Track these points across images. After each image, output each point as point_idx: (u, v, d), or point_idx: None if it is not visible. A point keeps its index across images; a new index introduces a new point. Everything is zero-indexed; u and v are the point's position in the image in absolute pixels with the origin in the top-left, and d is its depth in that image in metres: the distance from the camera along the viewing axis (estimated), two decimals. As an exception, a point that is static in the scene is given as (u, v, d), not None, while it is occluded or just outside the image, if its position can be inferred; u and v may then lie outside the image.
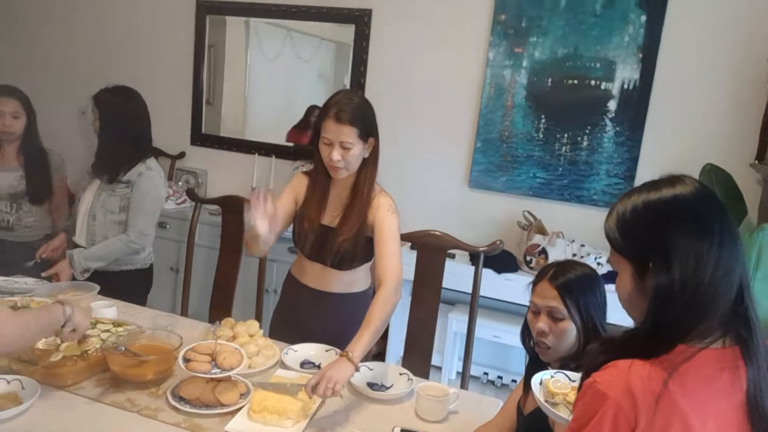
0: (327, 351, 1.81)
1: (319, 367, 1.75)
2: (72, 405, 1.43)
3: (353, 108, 1.70)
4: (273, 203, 1.60)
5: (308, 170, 1.91)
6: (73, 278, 2.25)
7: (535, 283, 1.37)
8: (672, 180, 0.92)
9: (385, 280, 1.66)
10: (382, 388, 1.67)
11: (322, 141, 1.73)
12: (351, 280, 1.88)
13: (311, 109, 3.65)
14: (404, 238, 2.21)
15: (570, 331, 1.30)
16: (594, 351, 0.93)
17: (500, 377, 3.28)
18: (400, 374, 1.72)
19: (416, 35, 3.41)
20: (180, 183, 3.90)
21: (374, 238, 1.75)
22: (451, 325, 3.17)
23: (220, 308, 2.43)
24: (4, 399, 1.37)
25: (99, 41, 4.12)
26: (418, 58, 3.42)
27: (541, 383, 1.18)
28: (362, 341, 1.52)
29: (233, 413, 1.45)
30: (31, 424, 1.33)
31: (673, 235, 0.86)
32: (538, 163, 3.26)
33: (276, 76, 3.83)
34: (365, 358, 2.15)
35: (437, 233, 2.17)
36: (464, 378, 2.19)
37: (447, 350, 3.20)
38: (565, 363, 1.31)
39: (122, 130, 2.33)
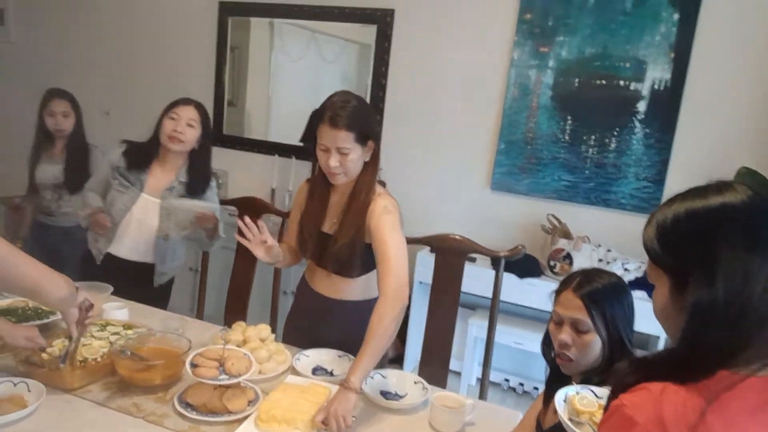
0: (340, 357, 1.76)
1: (331, 373, 1.69)
2: (77, 409, 1.40)
3: (349, 111, 1.61)
4: (265, 233, 1.68)
5: (310, 177, 1.85)
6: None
7: (558, 292, 1.30)
8: (720, 187, 0.82)
9: (383, 288, 1.57)
10: (396, 396, 1.61)
11: (319, 147, 1.66)
12: (360, 288, 1.82)
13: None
14: (423, 241, 2.16)
15: (594, 344, 1.22)
16: (623, 370, 0.85)
17: (521, 384, 3.19)
18: (415, 383, 1.66)
19: (439, 35, 3.35)
20: (201, 183, 3.90)
21: (373, 246, 1.66)
22: (471, 330, 3.09)
23: (235, 310, 2.40)
24: (9, 402, 1.34)
25: (123, 44, 4.16)
26: (440, 59, 3.36)
27: (565, 400, 1.11)
28: (361, 365, 1.45)
29: (240, 421, 1.41)
30: (35, 428, 1.30)
31: (719, 246, 0.77)
32: (563, 165, 3.16)
33: (300, 77, 3.81)
34: (380, 363, 2.11)
35: (457, 237, 2.10)
36: (483, 385, 2.12)
37: (467, 356, 3.12)
38: (587, 377, 1.23)
39: (210, 142, 2.32)
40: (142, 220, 2.24)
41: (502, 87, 3.25)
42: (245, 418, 1.42)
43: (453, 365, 3.21)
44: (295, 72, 3.81)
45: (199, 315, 2.53)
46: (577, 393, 1.10)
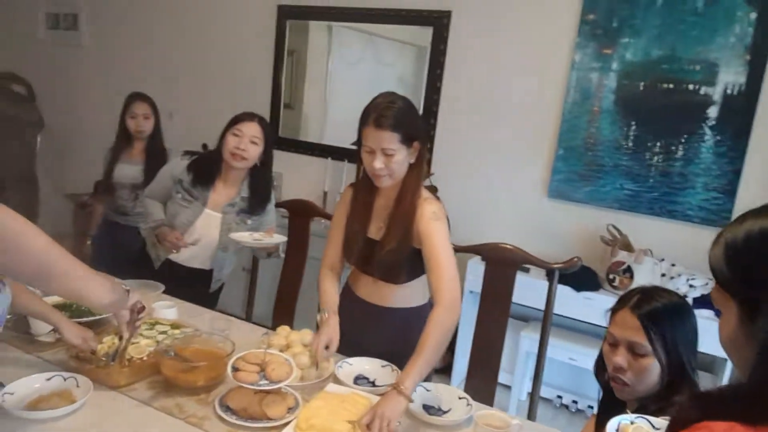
0: (383, 367, 1.71)
1: (373, 383, 1.66)
2: (122, 407, 1.42)
3: (394, 112, 1.57)
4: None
5: (354, 182, 1.82)
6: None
7: (614, 311, 1.21)
8: None
9: (438, 297, 1.54)
10: (439, 411, 1.55)
11: (364, 149, 1.63)
12: (405, 294, 1.78)
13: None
14: (472, 250, 2.09)
15: (652, 368, 1.13)
16: (684, 405, 0.76)
17: (575, 402, 3.06)
18: (459, 398, 1.59)
19: (496, 37, 3.26)
20: (256, 185, 3.96)
21: (423, 252, 1.62)
22: (523, 343, 2.99)
23: (283, 313, 2.41)
24: (58, 396, 1.38)
25: (185, 47, 4.28)
26: (497, 61, 3.28)
27: (618, 430, 1.03)
28: (414, 370, 1.42)
29: (279, 428, 1.39)
30: (80, 423, 1.33)
31: None
32: (626, 173, 3.01)
33: (356, 81, 3.81)
34: (426, 377, 2.06)
35: (508, 246, 2.03)
36: (532, 402, 2.04)
37: (517, 370, 3.02)
38: (644, 404, 1.14)
39: (272, 158, 2.33)
40: (204, 233, 2.26)
41: (561, 90, 3.13)
42: (284, 425, 1.40)
43: (503, 378, 3.13)
44: (352, 75, 3.82)
45: (249, 316, 2.55)
46: (632, 423, 1.02)
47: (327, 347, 1.65)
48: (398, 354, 1.58)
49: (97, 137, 4.70)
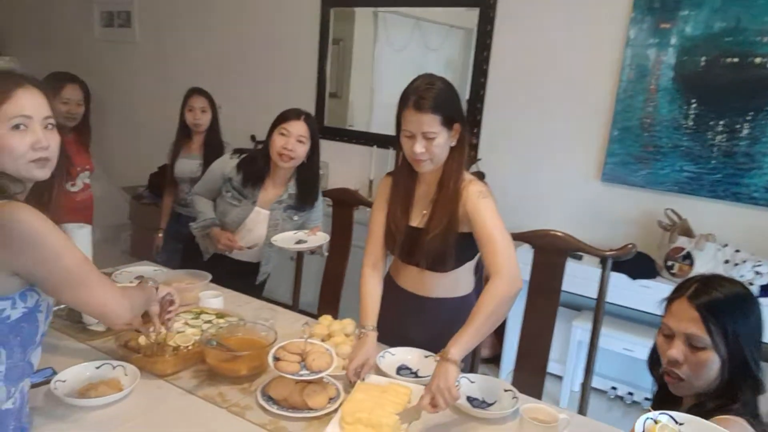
0: (426, 357, 1.68)
1: (416, 374, 1.62)
2: (167, 395, 1.44)
3: (435, 94, 1.52)
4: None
5: (391, 171, 1.77)
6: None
7: (670, 300, 1.13)
8: None
9: (494, 269, 1.47)
10: (483, 404, 1.51)
11: (403, 134, 1.58)
12: (451, 283, 1.73)
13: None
14: (520, 237, 2.02)
15: (711, 363, 1.05)
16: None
17: (630, 394, 2.94)
18: (505, 390, 1.54)
19: (546, 14, 3.14)
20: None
21: (473, 231, 1.57)
22: (575, 333, 2.89)
23: (328, 301, 2.41)
24: (106, 385, 1.41)
25: (231, 40, 4.33)
26: (546, 40, 3.15)
27: (644, 430, 0.95)
28: (463, 339, 1.38)
29: (320, 418, 1.38)
30: (126, 410, 1.36)
31: None
32: (686, 154, 2.85)
33: (403, 66, 3.76)
34: (472, 365, 2.01)
35: (558, 233, 1.94)
36: (584, 395, 1.96)
37: (569, 360, 2.93)
38: (702, 401, 1.06)
39: (318, 155, 2.32)
40: (252, 229, 2.30)
41: (616, 68, 2.99)
42: (325, 415, 1.39)
43: (555, 369, 3.05)
44: (399, 61, 3.77)
45: (295, 304, 2.56)
46: (655, 422, 0.94)
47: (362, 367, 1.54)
48: (442, 345, 1.54)
49: (149, 131, 4.85)
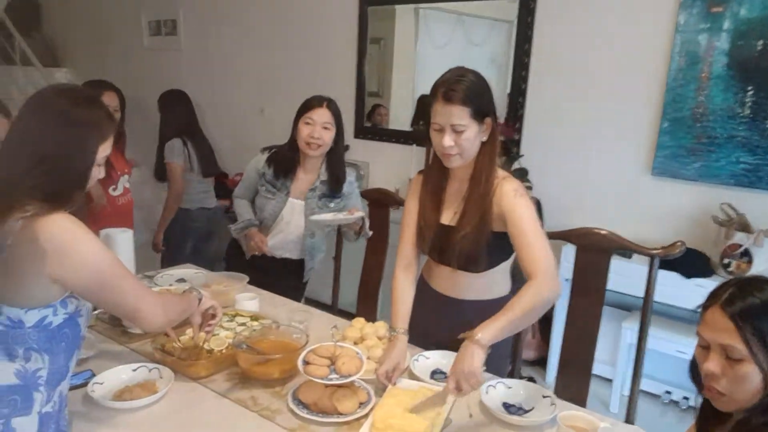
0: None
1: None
2: (200, 398, 1.45)
3: (465, 85, 1.47)
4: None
5: (423, 168, 1.72)
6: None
7: (704, 308, 1.03)
8: None
9: (535, 273, 1.42)
10: (520, 411, 1.45)
11: (433, 127, 1.53)
12: (485, 285, 1.67)
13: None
14: (560, 236, 1.94)
15: (751, 375, 0.95)
16: None
17: (686, 398, 2.79)
18: (544, 396, 1.48)
19: (588, 3, 3.03)
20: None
21: (509, 231, 1.52)
22: (626, 335, 2.77)
23: (366, 302, 2.39)
24: (140, 388, 1.43)
25: (272, 44, 4.38)
26: (590, 30, 3.04)
27: None
28: (494, 325, 1.32)
29: (349, 423, 1.36)
30: (159, 413, 1.37)
31: None
32: (742, 144, 2.69)
33: (445, 63, 3.65)
34: (513, 369, 1.95)
35: (601, 231, 1.86)
36: (632, 400, 1.86)
37: (620, 362, 2.81)
38: (747, 417, 0.97)
39: (343, 138, 2.34)
40: (289, 221, 2.32)
41: (665, 57, 2.84)
42: (355, 420, 1.36)
43: (605, 372, 2.93)
44: (441, 58, 3.72)
45: (334, 305, 2.56)
46: None
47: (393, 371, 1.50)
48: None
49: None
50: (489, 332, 1.31)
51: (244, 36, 4.52)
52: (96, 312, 1.78)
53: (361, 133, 3.97)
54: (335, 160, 2.32)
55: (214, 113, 4.75)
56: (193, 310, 1.46)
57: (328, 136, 2.22)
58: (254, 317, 1.81)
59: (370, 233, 2.31)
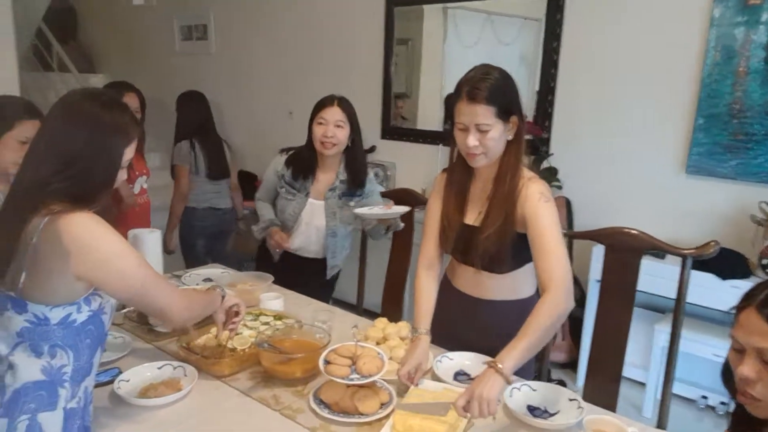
0: (485, 363, 1.60)
1: (474, 380, 1.55)
2: (223, 396, 1.46)
3: (489, 84, 1.44)
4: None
5: (446, 167, 1.70)
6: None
7: (738, 309, 0.98)
8: None
9: (550, 285, 1.40)
10: (545, 414, 1.42)
11: (457, 126, 1.51)
12: (509, 285, 1.64)
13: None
14: (589, 236, 1.90)
15: None
16: None
17: (723, 403, 2.70)
18: (570, 400, 1.44)
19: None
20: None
21: (528, 235, 1.49)
22: (659, 337, 2.70)
23: (391, 302, 2.38)
24: (165, 385, 1.45)
25: (300, 47, 4.41)
26: (621, 25, 2.97)
27: None
28: (516, 351, 1.31)
29: (370, 423, 1.35)
30: (183, 411, 1.39)
31: None
32: (782, 141, 2.59)
33: (474, 63, 3.64)
34: (540, 371, 1.91)
35: (631, 231, 1.81)
36: (664, 405, 1.80)
37: (653, 366, 2.73)
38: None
39: (360, 136, 2.34)
40: (310, 222, 2.34)
41: (699, 52, 2.76)
42: (376, 420, 1.35)
43: (638, 375, 2.86)
44: (469, 58, 3.68)
45: (359, 305, 2.55)
46: None
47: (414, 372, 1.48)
48: (500, 350, 1.46)
49: (226, 138, 5.01)
50: (511, 361, 1.30)
51: (272, 39, 4.57)
52: (124, 311, 1.81)
53: (387, 133, 3.96)
54: (353, 158, 2.32)
55: (244, 116, 4.81)
56: (216, 306, 1.48)
57: (341, 134, 2.23)
58: (278, 316, 1.82)
59: (402, 225, 2.30)
